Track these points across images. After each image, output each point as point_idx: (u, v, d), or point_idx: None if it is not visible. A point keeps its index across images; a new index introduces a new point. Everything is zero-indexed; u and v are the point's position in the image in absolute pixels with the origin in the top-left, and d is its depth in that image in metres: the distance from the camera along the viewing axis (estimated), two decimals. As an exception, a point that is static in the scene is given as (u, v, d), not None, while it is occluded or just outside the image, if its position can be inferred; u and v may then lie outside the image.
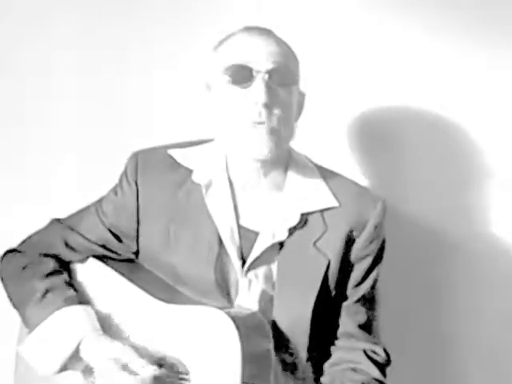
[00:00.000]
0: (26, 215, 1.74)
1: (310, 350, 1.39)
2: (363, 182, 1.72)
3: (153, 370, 1.29)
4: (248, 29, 1.38)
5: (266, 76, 1.32)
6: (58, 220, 1.50)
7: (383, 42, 1.74)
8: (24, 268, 1.43)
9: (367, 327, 1.46)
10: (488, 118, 1.73)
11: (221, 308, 1.32)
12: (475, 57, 1.72)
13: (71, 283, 1.44)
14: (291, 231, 1.40)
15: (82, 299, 1.42)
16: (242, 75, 1.33)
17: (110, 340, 1.35)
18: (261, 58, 1.32)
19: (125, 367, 1.30)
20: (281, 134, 1.33)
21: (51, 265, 1.44)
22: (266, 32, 1.37)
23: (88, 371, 1.37)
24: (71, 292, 1.40)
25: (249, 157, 1.36)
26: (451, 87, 1.73)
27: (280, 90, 1.33)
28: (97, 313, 1.40)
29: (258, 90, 1.31)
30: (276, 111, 1.32)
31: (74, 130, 1.81)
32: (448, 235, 1.77)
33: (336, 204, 1.40)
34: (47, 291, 1.38)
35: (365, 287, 1.45)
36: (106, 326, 1.40)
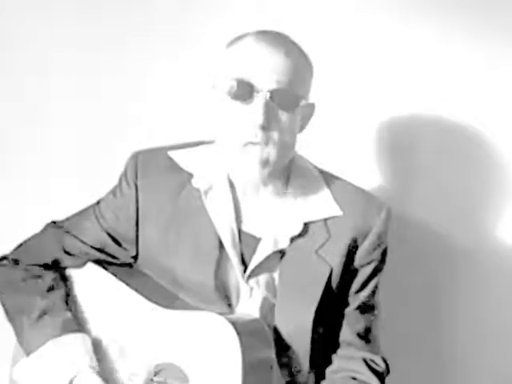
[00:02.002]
0: (26, 215, 1.73)
1: (311, 358, 1.38)
2: (371, 186, 1.70)
3: None
4: (258, 36, 1.31)
5: (268, 95, 1.27)
6: (55, 223, 1.48)
7: (391, 45, 1.73)
8: (21, 281, 1.40)
9: (366, 336, 1.44)
10: (499, 122, 1.72)
11: (221, 313, 1.30)
12: (486, 59, 1.71)
13: (68, 300, 1.40)
14: (293, 239, 1.38)
15: (80, 321, 1.39)
16: (243, 91, 1.28)
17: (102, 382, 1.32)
18: (265, 74, 1.27)
19: None
20: (275, 159, 1.30)
21: (49, 279, 1.41)
22: (277, 42, 1.30)
23: None
24: (68, 314, 1.37)
25: (239, 178, 1.35)
26: (465, 91, 1.72)
27: (281, 112, 1.29)
28: (93, 341, 1.37)
29: (257, 109, 1.26)
30: (273, 134, 1.29)
31: (74, 130, 1.79)
32: (454, 241, 1.76)
33: (339, 213, 1.38)
34: (44, 312, 1.35)
35: (365, 295, 1.43)
36: (102, 347, 1.38)
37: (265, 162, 1.29)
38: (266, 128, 1.27)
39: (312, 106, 1.40)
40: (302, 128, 1.39)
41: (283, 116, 1.29)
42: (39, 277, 1.41)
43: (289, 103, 1.30)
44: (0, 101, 1.79)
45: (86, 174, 1.79)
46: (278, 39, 1.32)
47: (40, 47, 1.78)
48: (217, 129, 1.34)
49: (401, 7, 1.71)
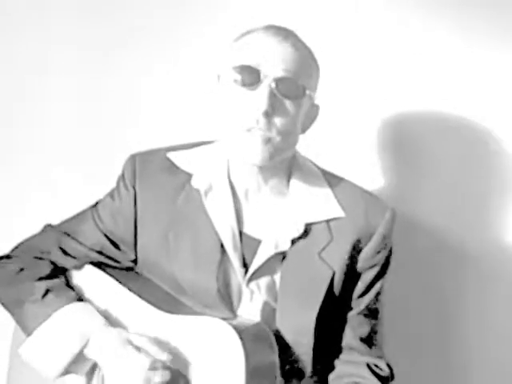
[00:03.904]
0: (26, 215, 1.72)
1: (314, 363, 1.35)
2: (376, 187, 1.69)
3: (165, 356, 1.24)
4: (267, 28, 1.31)
5: (273, 83, 1.26)
6: (53, 226, 1.44)
7: (395, 43, 1.71)
8: (19, 271, 1.37)
9: (369, 340, 1.41)
10: (509, 120, 1.70)
11: (224, 318, 1.27)
12: (495, 59, 1.68)
13: (70, 285, 1.38)
14: (295, 241, 1.35)
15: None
16: (249, 77, 1.27)
17: (120, 329, 1.30)
18: (272, 62, 1.26)
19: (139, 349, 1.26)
20: (277, 144, 1.27)
21: (48, 268, 1.38)
22: (285, 33, 1.30)
23: (91, 373, 1.31)
24: (73, 292, 1.35)
25: (241, 160, 1.31)
26: (474, 89, 1.70)
27: (286, 101, 1.27)
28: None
29: (261, 95, 1.25)
30: (276, 121, 1.26)
31: (74, 130, 1.78)
32: (461, 243, 1.74)
33: (342, 214, 1.36)
34: (48, 291, 1.32)
35: (368, 298, 1.40)
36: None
37: (267, 141, 1.27)
38: (269, 114, 1.25)
39: (317, 108, 1.38)
40: (304, 128, 1.37)
41: (288, 105, 1.28)
42: (38, 266, 1.38)
43: (294, 92, 1.28)
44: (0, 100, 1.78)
45: (86, 174, 1.77)
46: (286, 32, 1.32)
47: (40, 47, 1.76)
48: (221, 116, 1.32)
49: (403, 5, 1.70)
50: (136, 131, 1.75)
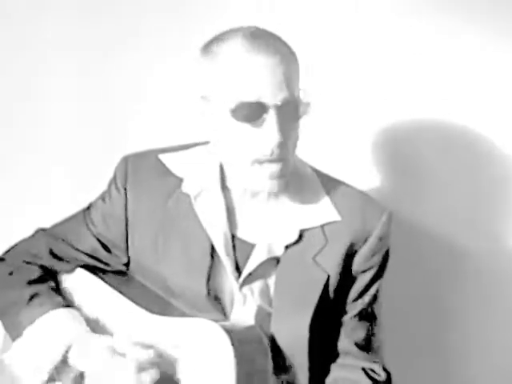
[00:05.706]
0: (24, 217, 1.72)
1: (310, 368, 1.32)
2: (374, 190, 1.68)
3: (149, 354, 1.20)
4: (246, 41, 1.20)
5: (278, 112, 1.20)
6: (44, 229, 1.43)
7: (394, 46, 1.70)
8: (9, 275, 1.35)
9: (365, 344, 1.39)
10: (505, 124, 1.69)
11: (216, 320, 1.24)
12: (497, 61, 1.67)
13: (58, 290, 1.36)
14: (289, 246, 1.33)
15: (70, 305, 1.34)
16: (252, 113, 1.20)
17: (101, 335, 1.27)
18: (270, 91, 1.18)
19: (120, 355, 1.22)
20: (290, 166, 1.26)
21: (37, 272, 1.36)
22: (266, 42, 1.20)
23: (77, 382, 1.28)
24: (58, 298, 1.32)
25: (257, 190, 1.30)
26: (470, 93, 1.69)
27: (291, 123, 1.24)
28: (86, 318, 1.32)
29: (270, 128, 1.20)
30: (288, 144, 1.24)
31: (73, 130, 1.79)
32: (458, 245, 1.73)
33: (338, 218, 1.33)
34: (33, 297, 1.30)
35: (363, 302, 1.38)
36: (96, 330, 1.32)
37: (283, 175, 1.25)
38: (282, 144, 1.21)
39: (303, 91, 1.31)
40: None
41: (294, 126, 1.25)
42: (27, 269, 1.36)
43: (295, 112, 1.24)
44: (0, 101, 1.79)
45: (86, 175, 1.78)
46: (266, 37, 1.22)
47: (40, 47, 1.76)
48: (220, 147, 1.28)
49: (403, 5, 1.69)
50: (136, 131, 1.76)
